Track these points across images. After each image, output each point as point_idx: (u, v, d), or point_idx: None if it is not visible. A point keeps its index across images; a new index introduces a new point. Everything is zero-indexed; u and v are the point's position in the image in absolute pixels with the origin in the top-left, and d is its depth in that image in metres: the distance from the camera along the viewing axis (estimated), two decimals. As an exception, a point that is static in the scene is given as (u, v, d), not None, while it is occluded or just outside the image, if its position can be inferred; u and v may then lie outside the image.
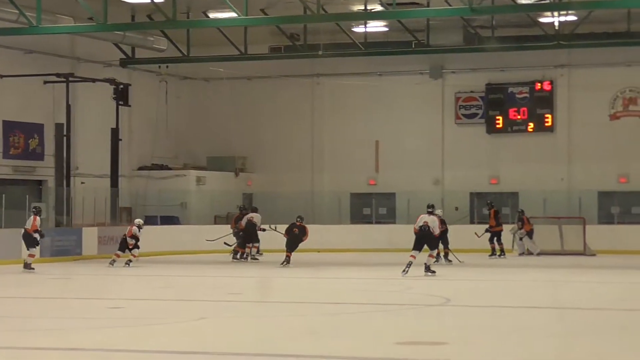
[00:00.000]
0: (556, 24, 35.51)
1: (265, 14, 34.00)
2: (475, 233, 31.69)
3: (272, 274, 26.27)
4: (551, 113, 38.12)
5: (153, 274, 26.07)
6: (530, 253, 32.88)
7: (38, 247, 26.73)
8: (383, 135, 39.61)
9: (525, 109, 38.27)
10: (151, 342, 13.12)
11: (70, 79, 34.05)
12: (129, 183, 38.10)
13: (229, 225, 32.39)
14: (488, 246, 31.56)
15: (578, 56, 37.35)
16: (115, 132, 35.63)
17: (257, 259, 30.74)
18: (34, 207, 27.22)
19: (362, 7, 33.33)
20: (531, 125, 38.21)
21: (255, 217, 30.87)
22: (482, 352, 12.26)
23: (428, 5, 32.41)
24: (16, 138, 33.70)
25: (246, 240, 30.67)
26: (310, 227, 28.54)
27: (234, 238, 31.20)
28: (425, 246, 23.89)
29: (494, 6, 31.54)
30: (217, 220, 37.85)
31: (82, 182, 35.48)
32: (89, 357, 12.02)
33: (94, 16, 29.40)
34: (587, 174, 37.27)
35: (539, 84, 38.17)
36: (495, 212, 31.76)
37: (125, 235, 28.31)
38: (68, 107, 33.73)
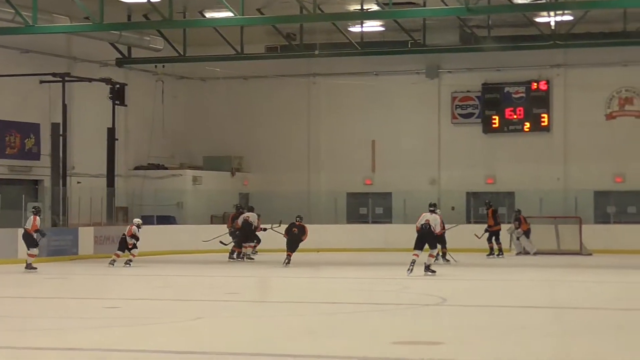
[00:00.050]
0: (552, 23, 35.52)
1: (262, 13, 34.00)
2: (475, 234, 31.66)
3: (269, 273, 26.28)
4: (547, 113, 38.15)
5: (150, 274, 26.06)
6: (527, 253, 32.90)
7: (38, 247, 26.64)
8: (379, 134, 39.63)
9: (521, 108, 38.30)
10: (148, 342, 13.12)
11: (67, 78, 34.01)
12: (125, 183, 38.09)
13: (226, 225, 32.41)
14: (485, 246, 31.56)
15: (574, 56, 37.38)
16: (111, 132, 35.59)
17: (253, 259, 30.74)
18: (34, 207, 27.22)
19: (359, 7, 33.33)
20: (527, 125, 38.24)
21: (252, 216, 30.88)
22: (479, 352, 12.27)
23: (424, 5, 32.40)
24: (12, 138, 33.68)
25: (242, 240, 30.67)
26: (307, 227, 28.52)
27: (230, 237, 31.20)
28: (426, 245, 23.90)
29: (490, 6, 31.56)
30: (214, 220, 37.85)
31: (79, 182, 35.46)
32: (87, 357, 12.02)
33: (90, 16, 29.39)
34: (583, 174, 37.30)
35: (535, 84, 38.20)
36: (494, 211, 31.77)
37: (124, 235, 28.29)
38: (64, 106, 33.69)
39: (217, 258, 31.05)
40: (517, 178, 37.75)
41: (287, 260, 27.49)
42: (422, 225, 23.81)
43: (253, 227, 30.84)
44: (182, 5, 33.41)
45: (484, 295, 20.34)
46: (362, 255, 33.09)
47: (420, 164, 38.90)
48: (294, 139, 40.48)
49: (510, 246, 33.07)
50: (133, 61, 37.59)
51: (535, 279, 24.29)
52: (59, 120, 33.60)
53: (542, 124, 38.14)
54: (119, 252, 28.21)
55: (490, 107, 38.67)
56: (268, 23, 34.99)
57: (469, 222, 37.01)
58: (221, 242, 31.56)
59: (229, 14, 29.25)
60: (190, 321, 15.28)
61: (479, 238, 31.50)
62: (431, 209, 24.34)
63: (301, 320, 15.61)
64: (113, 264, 27.79)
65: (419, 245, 23.78)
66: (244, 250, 30.69)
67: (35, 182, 34.88)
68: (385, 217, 39.11)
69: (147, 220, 34.45)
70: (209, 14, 34.10)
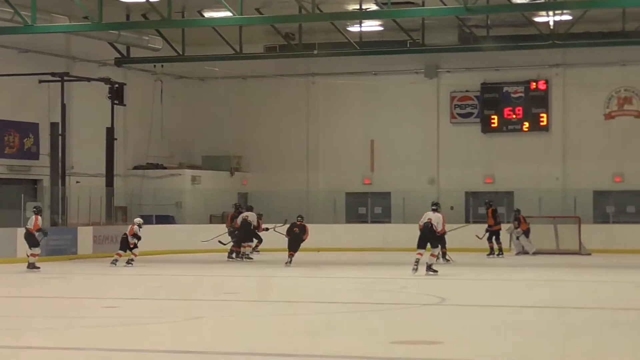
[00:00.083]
0: (551, 23, 35.51)
1: (261, 13, 34.00)
2: (477, 235, 31.62)
3: (268, 273, 26.29)
4: (546, 112, 38.16)
5: (148, 274, 26.05)
6: (526, 252, 32.89)
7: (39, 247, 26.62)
8: (378, 134, 39.63)
9: (520, 108, 38.31)
10: (146, 342, 13.11)
11: (65, 78, 34.01)
12: (124, 182, 38.10)
13: (225, 224, 32.41)
14: (485, 245, 31.54)
15: (573, 55, 37.39)
16: (110, 132, 35.59)
17: (252, 259, 30.74)
18: (35, 207, 27.24)
19: (357, 7, 33.32)
20: (526, 124, 38.24)
21: (251, 215, 30.89)
22: (478, 351, 12.27)
23: (423, 5, 32.41)
24: (11, 137, 33.68)
25: (241, 240, 30.67)
26: (308, 227, 28.46)
27: (229, 237, 31.20)
28: (428, 245, 23.93)
29: (489, 6, 31.57)
30: (213, 219, 37.86)
31: (77, 182, 35.46)
32: (85, 357, 12.02)
33: (89, 15, 29.39)
34: (582, 174, 37.30)
35: (534, 84, 38.20)
36: (494, 211, 31.75)
37: (125, 234, 28.28)
38: (63, 106, 33.68)
39: (216, 258, 31.04)
40: (516, 178, 37.75)
41: (289, 260, 27.45)
42: (424, 223, 23.85)
43: (252, 227, 30.87)
44: (180, 4, 33.42)
45: (482, 295, 20.34)
46: (361, 255, 33.09)
47: (419, 163, 38.90)
48: (293, 138, 40.48)
49: (510, 246, 33.06)
50: (132, 61, 37.59)
51: (533, 278, 24.29)
52: (58, 119, 33.60)
53: (541, 123, 38.15)
54: (121, 252, 28.20)
55: (489, 106, 38.68)
56: (267, 23, 35.00)
57: (468, 221, 36.99)
58: (220, 241, 31.55)
59: (228, 14, 29.25)
60: (189, 321, 15.28)
61: (480, 239, 31.48)
62: (433, 207, 24.36)
63: (300, 319, 15.61)
64: (115, 264, 27.78)
65: (421, 244, 23.81)
66: (242, 249, 30.69)
67: (34, 182, 34.88)
68: (384, 216, 39.11)
69: (146, 219, 34.30)
70: (207, 14, 34.10)
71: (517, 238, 33.15)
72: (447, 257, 28.69)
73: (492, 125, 38.61)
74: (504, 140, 38.52)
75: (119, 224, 34.89)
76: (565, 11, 34.17)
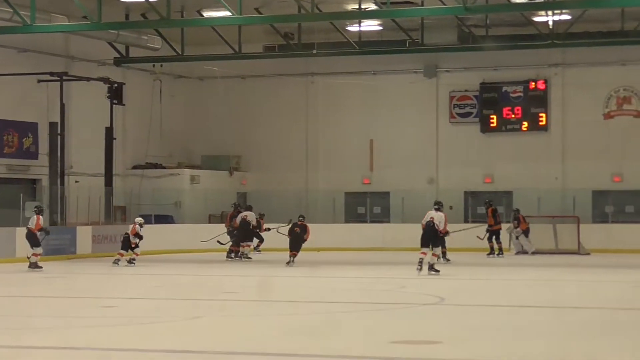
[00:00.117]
0: (550, 23, 35.52)
1: (260, 12, 34.01)
2: (478, 236, 31.62)
3: (267, 272, 26.28)
4: (545, 112, 38.16)
5: (147, 273, 26.04)
6: (524, 252, 32.90)
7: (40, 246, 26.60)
8: (377, 134, 39.63)
9: (519, 108, 38.31)
10: (146, 341, 13.11)
11: (64, 77, 34.01)
12: (123, 182, 38.09)
13: (224, 224, 32.41)
14: (485, 245, 31.53)
15: (572, 55, 37.39)
16: (109, 131, 35.59)
17: (250, 258, 30.74)
18: (36, 207, 27.25)
19: (357, 6, 33.33)
20: (525, 124, 38.24)
21: (250, 215, 30.91)
22: (477, 351, 12.27)
23: (422, 4, 32.43)
24: (10, 137, 33.68)
25: (240, 239, 30.68)
26: (309, 226, 28.42)
27: (228, 237, 31.20)
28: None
29: (488, 5, 31.58)
30: (212, 219, 37.87)
31: (76, 181, 35.46)
32: (84, 356, 12.02)
33: (88, 15, 29.39)
34: (581, 173, 37.31)
35: (533, 83, 38.20)
36: (493, 210, 31.75)
37: (127, 234, 28.26)
38: (62, 106, 33.68)
39: (215, 257, 31.04)
40: (515, 177, 37.76)
41: (291, 260, 27.42)
42: (427, 222, 23.90)
43: (251, 227, 30.89)
44: (179, 4, 33.42)
45: (481, 295, 20.34)
46: (360, 255, 33.09)
47: (418, 163, 38.91)
48: (292, 138, 40.48)
49: (509, 245, 33.06)
50: (131, 60, 37.59)
51: (532, 278, 24.29)
52: (57, 119, 33.59)
53: (540, 123, 38.15)
54: (122, 252, 28.19)
55: (488, 106, 38.68)
56: (266, 22, 34.99)
57: (466, 221, 37.01)
58: (219, 242, 31.56)
59: (227, 13, 29.25)
60: (189, 320, 15.28)
61: (482, 239, 31.51)
62: (436, 207, 24.43)
63: (299, 319, 15.61)
64: (117, 263, 27.78)
65: (424, 243, 23.85)
66: (241, 249, 30.69)
67: (33, 182, 34.87)
68: (383, 216, 39.12)
69: (145, 219, 34.33)
70: (206, 13, 34.11)
71: (517, 238, 33.16)
72: (447, 257, 28.69)
73: (491, 125, 38.62)
74: (503, 140, 38.52)
75: (118, 223, 34.90)
76: (564, 11, 34.19)
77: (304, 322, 15.10)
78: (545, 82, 38.15)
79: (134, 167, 38.73)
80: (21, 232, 28.58)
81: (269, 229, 31.68)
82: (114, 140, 35.77)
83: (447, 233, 24.46)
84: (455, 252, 29.40)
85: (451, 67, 38.97)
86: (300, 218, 28.26)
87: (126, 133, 38.10)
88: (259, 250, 33.33)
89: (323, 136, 40.32)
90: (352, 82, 39.07)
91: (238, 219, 30.63)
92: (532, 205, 35.72)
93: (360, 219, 39.34)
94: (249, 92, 40.70)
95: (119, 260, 27.96)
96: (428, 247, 23.85)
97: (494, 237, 31.47)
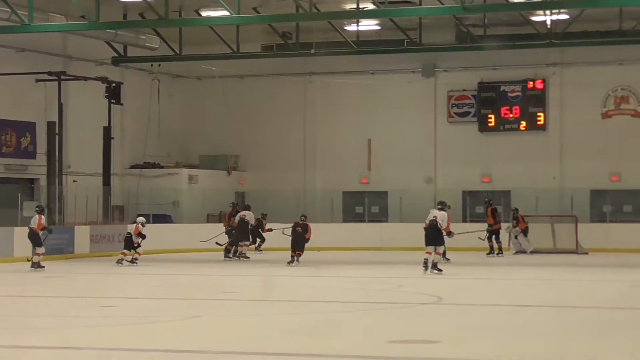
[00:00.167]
0: (548, 22, 35.54)
1: (258, 12, 34.01)
2: (479, 237, 31.63)
3: (266, 272, 26.28)
4: (543, 111, 38.17)
5: (146, 273, 26.04)
6: (523, 251, 32.92)
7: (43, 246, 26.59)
8: (375, 133, 39.63)
9: (517, 107, 38.32)
10: (145, 341, 13.12)
11: (62, 77, 33.99)
12: (121, 181, 38.08)
13: (222, 224, 32.41)
14: (484, 245, 31.53)
15: (570, 55, 37.40)
16: (107, 131, 35.58)
17: (248, 258, 30.74)
18: (37, 206, 27.29)
19: (355, 6, 33.31)
20: (523, 123, 38.25)
21: (248, 215, 30.93)
22: (475, 350, 12.27)
23: (420, 4, 32.42)
24: (8, 136, 33.66)
25: (238, 239, 30.69)
26: (310, 226, 28.38)
27: (226, 237, 31.20)
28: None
29: (487, 5, 31.57)
30: (210, 218, 37.87)
31: (74, 181, 35.44)
32: (84, 356, 12.02)
33: (86, 14, 29.36)
34: (579, 173, 37.32)
35: (531, 83, 38.20)
36: (493, 210, 31.77)
37: (129, 233, 28.24)
38: (60, 105, 33.67)
39: (213, 257, 31.05)
40: (513, 177, 37.77)
41: (296, 259, 27.36)
42: (430, 221, 23.98)
43: (249, 226, 30.92)
44: (178, 4, 33.40)
45: (479, 294, 20.35)
46: (358, 254, 33.10)
47: (416, 162, 38.91)
48: (290, 137, 40.48)
49: (509, 245, 33.08)
50: (129, 60, 37.57)
51: (530, 277, 24.30)
52: (55, 119, 33.59)
53: (538, 122, 38.16)
54: (126, 251, 28.18)
55: (486, 105, 38.68)
56: (264, 22, 34.99)
57: (464, 221, 37.02)
58: (217, 243, 31.59)
59: (225, 13, 29.24)
60: (188, 320, 15.28)
61: (483, 240, 31.55)
62: (439, 206, 24.53)
63: (297, 318, 15.61)
64: (121, 263, 27.78)
65: (428, 242, 23.93)
66: (239, 249, 30.70)
67: (31, 181, 34.85)
68: (381, 215, 39.11)
69: (143, 219, 34.48)
70: (204, 13, 34.11)
71: (516, 237, 33.18)
72: (446, 257, 28.68)
73: (489, 124, 38.63)
74: (501, 140, 38.53)
75: (115, 223, 34.89)
76: (562, 10, 34.19)
77: (302, 322, 15.11)
78: (543, 81, 38.16)
79: (132, 167, 38.72)
80: (19, 231, 28.61)
81: (271, 230, 31.73)
82: (112, 140, 35.77)
83: (450, 233, 24.47)
84: (455, 251, 29.41)
85: (449, 66, 38.97)
86: (302, 218, 28.28)
87: (124, 133, 38.10)
88: (261, 250, 33.34)
89: (321, 136, 40.33)
90: (350, 81, 39.07)
91: (236, 219, 30.64)
92: (530, 205, 35.72)
93: (358, 218, 39.33)
94: (247, 91, 40.69)
95: (122, 260, 27.96)
96: (433, 245, 23.90)
97: (493, 236, 31.49)
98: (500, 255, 31.27)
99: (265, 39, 38.52)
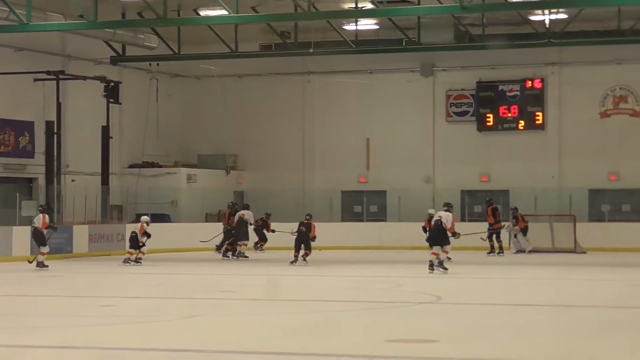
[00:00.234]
0: (547, 22, 35.53)
1: (256, 11, 34.00)
2: (481, 237, 31.64)
3: (264, 272, 26.28)
4: (542, 111, 38.16)
5: (145, 272, 26.03)
6: (522, 250, 32.93)
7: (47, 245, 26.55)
8: (374, 133, 39.62)
9: (516, 106, 38.32)
10: (145, 340, 13.12)
11: (61, 76, 33.97)
12: (120, 181, 38.06)
13: (222, 223, 32.39)
14: (484, 244, 31.52)
15: (569, 54, 37.41)
16: (105, 130, 35.56)
17: (247, 257, 30.74)
18: (40, 206, 27.34)
19: (353, 5, 33.31)
20: (522, 123, 38.24)
21: (247, 214, 30.95)
22: (474, 350, 12.28)
23: (419, 3, 32.39)
24: (6, 136, 33.64)
25: (237, 238, 30.69)
26: (314, 224, 28.33)
27: (225, 236, 31.20)
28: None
29: (485, 4, 31.57)
30: (208, 218, 37.85)
31: (73, 180, 35.42)
32: (83, 355, 12.02)
33: (84, 14, 29.35)
34: (577, 172, 37.32)
35: (530, 82, 38.20)
36: (494, 209, 31.77)
37: (134, 232, 28.21)
38: (58, 104, 33.66)
39: (212, 256, 31.07)
40: (511, 176, 37.77)
41: (302, 258, 27.33)
42: (435, 221, 24.11)
43: (248, 225, 30.94)
44: (176, 3, 33.38)
45: (478, 293, 20.36)
46: (357, 253, 33.11)
47: (415, 162, 38.90)
48: (288, 137, 40.46)
49: (509, 244, 33.09)
50: (127, 59, 37.57)
51: (529, 277, 24.29)
52: (54, 118, 33.57)
53: (537, 122, 38.16)
54: (132, 250, 28.17)
55: (485, 105, 38.68)
56: (262, 21, 34.99)
57: (463, 220, 37.01)
58: (216, 245, 31.65)
59: (224, 12, 29.23)
60: (187, 319, 15.29)
61: (485, 240, 31.57)
62: (445, 208, 24.66)
63: (295, 318, 15.62)
64: (129, 262, 27.77)
65: (433, 242, 24.01)
66: (238, 248, 30.71)
67: (30, 180, 34.83)
68: (380, 215, 39.11)
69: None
70: (203, 12, 34.09)
71: (515, 236, 33.19)
72: (448, 255, 28.67)
73: (488, 123, 38.62)
74: (500, 139, 38.52)
75: (114, 222, 34.88)
76: (560, 10, 34.19)
77: (302, 321, 15.11)
78: (542, 81, 38.16)
79: (131, 166, 38.70)
80: (17, 231, 28.63)
81: (274, 231, 31.83)
82: (111, 139, 35.75)
83: (455, 234, 24.48)
84: (455, 250, 29.34)
85: (448, 66, 38.97)
86: (307, 217, 28.31)
87: (123, 132, 38.08)
88: (262, 250, 33.35)
89: (320, 135, 40.32)
90: (348, 81, 39.06)
91: (235, 218, 30.64)
92: (529, 204, 35.73)
93: (357, 217, 39.33)
94: (245, 91, 40.68)
95: (128, 259, 27.95)
96: (439, 246, 23.94)
97: (494, 235, 31.50)
98: (501, 254, 31.27)
99: (263, 38, 38.51)
